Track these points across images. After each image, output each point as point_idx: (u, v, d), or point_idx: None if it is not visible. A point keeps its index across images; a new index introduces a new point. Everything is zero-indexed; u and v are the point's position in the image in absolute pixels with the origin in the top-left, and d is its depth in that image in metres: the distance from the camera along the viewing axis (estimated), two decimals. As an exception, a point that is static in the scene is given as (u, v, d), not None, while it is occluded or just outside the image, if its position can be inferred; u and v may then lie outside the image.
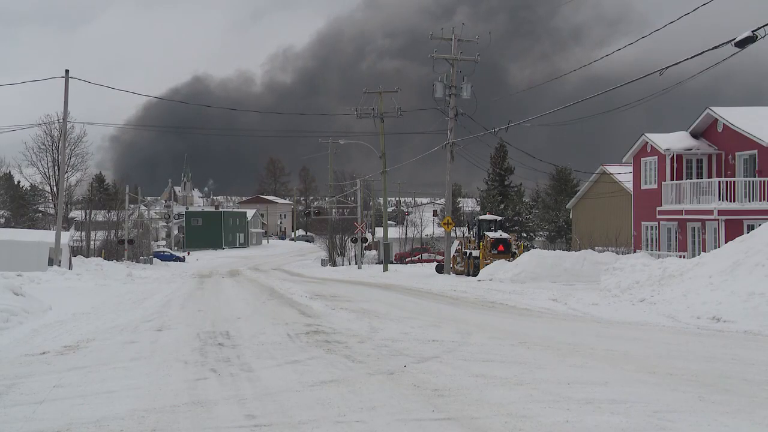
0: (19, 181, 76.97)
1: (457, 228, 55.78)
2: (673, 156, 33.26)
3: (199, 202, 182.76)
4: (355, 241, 62.04)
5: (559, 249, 52.72)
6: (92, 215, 73.31)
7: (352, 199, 78.25)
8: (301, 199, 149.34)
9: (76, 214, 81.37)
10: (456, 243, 44.27)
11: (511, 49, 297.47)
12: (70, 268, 41.31)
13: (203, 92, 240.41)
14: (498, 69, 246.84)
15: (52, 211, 64.77)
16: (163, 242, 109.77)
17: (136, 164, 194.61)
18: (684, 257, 28.35)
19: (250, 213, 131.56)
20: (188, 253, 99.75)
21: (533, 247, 48.26)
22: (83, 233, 68.02)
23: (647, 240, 35.89)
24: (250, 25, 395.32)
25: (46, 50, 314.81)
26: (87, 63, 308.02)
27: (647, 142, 34.98)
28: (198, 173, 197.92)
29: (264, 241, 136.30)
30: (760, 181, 29.38)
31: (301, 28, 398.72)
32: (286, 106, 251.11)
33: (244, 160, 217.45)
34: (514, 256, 36.51)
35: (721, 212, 29.11)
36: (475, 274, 35.60)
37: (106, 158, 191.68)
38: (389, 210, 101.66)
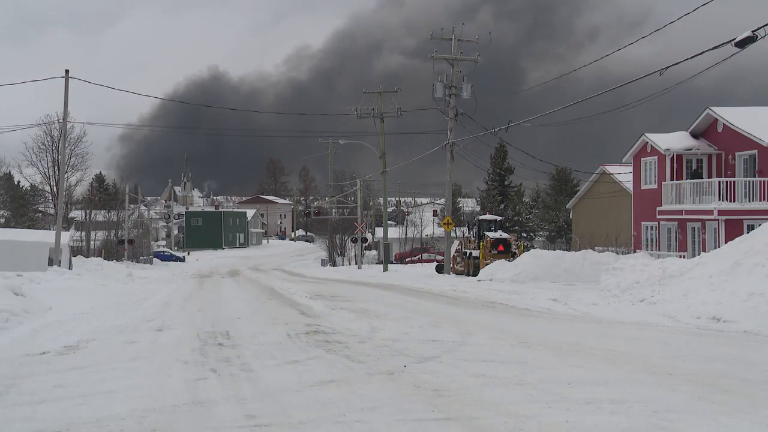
0: (19, 181, 76.91)
1: (457, 228, 55.77)
2: (673, 156, 33.26)
3: (199, 202, 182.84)
4: (355, 241, 62.04)
5: (559, 249, 52.72)
6: (92, 215, 73.31)
7: (352, 199, 78.27)
8: (301, 199, 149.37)
9: (76, 214, 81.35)
10: (456, 243, 44.27)
11: (530, 50, 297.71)
12: (70, 268, 41.30)
13: (218, 92, 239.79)
14: (516, 69, 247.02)
15: (52, 211, 64.76)
16: (163, 242, 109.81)
17: (142, 164, 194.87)
18: (684, 257, 28.36)
19: (250, 213, 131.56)
20: (188, 253, 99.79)
21: (533, 247, 48.24)
22: (83, 233, 68.02)
23: (647, 240, 35.89)
24: (269, 27, 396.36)
25: (65, 52, 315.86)
26: (108, 64, 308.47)
27: (647, 142, 34.98)
28: (201, 173, 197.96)
29: (264, 241, 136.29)
30: (760, 181, 29.38)
31: (321, 29, 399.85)
32: (301, 105, 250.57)
33: (248, 160, 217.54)
34: (514, 256, 36.50)
35: (721, 212, 29.11)
36: (475, 274, 35.60)
37: (116, 157, 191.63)
38: (389, 210, 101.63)
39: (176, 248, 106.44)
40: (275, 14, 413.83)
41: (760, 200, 29.18)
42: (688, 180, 32.04)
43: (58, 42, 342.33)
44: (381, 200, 71.28)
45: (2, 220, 67.74)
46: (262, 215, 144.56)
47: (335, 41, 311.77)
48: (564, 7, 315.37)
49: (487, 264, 35.57)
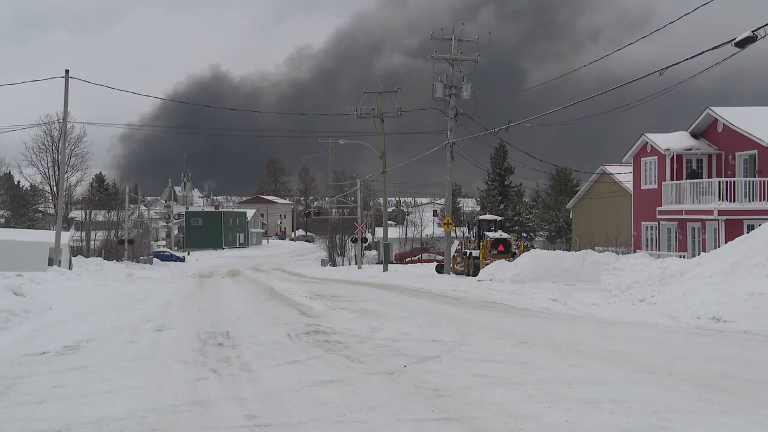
0: (19, 181, 76.90)
1: (457, 228, 55.78)
2: (673, 156, 33.26)
3: (199, 202, 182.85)
4: (355, 241, 62.05)
5: (559, 249, 52.74)
6: (92, 215, 73.30)
7: (352, 199, 78.27)
8: (301, 199, 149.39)
9: (76, 214, 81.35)
10: (456, 243, 44.27)
11: (531, 50, 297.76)
12: (70, 268, 41.29)
13: (220, 92, 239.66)
14: (516, 69, 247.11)
15: (52, 211, 64.74)
16: (163, 242, 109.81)
17: (142, 164, 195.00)
18: (684, 257, 28.35)
19: (250, 213, 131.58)
20: (188, 253, 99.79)
21: (533, 247, 48.25)
22: (83, 233, 68.01)
23: (647, 240, 35.88)
24: (271, 27, 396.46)
25: (65, 52, 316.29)
26: (108, 64, 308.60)
27: (647, 142, 34.98)
28: (201, 173, 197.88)
29: (264, 241, 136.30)
30: (760, 181, 29.37)
31: (322, 29, 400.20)
32: (301, 105, 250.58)
33: (248, 160, 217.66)
34: (514, 256, 36.50)
35: (721, 212, 29.10)
36: (475, 274, 35.59)
37: (116, 157, 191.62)
38: (389, 210, 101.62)
39: (176, 248, 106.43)
40: (276, 14, 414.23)
41: (760, 200, 29.17)
42: (688, 180, 32.04)
43: (58, 42, 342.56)
44: (381, 200, 71.28)
45: (2, 220, 67.72)
46: (262, 215, 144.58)
47: (336, 41, 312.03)
48: (565, 7, 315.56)
49: (487, 264, 35.57)
